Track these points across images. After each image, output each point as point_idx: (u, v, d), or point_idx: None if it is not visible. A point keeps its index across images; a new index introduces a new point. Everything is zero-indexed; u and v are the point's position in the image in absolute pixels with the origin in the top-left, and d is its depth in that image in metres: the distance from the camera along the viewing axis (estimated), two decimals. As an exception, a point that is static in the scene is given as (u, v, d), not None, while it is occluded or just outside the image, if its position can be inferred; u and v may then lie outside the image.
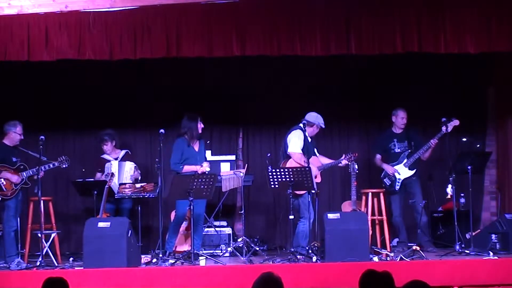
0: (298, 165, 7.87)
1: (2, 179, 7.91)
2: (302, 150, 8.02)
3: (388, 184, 8.51)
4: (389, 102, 9.32)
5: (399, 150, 8.55)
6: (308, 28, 7.98)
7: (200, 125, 8.14)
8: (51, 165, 8.01)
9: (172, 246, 8.12)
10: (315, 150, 8.42)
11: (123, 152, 9.00)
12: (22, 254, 8.19)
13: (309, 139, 8.19)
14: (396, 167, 8.49)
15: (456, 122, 8.20)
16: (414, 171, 8.49)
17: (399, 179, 8.47)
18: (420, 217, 8.42)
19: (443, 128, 8.14)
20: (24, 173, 7.98)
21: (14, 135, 8.09)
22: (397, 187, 8.48)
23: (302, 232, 7.95)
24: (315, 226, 8.09)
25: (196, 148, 8.17)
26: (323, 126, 8.30)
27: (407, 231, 8.65)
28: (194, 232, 7.57)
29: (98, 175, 8.81)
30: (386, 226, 8.38)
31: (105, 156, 8.93)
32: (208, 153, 9.22)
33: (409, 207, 8.60)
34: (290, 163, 8.06)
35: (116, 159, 8.87)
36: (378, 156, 8.69)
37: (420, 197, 8.50)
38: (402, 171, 8.47)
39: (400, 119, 8.57)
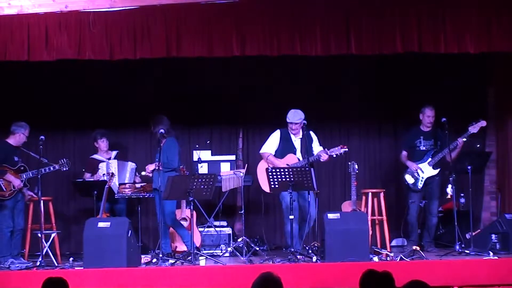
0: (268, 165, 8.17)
1: (3, 180, 7.90)
2: (279, 149, 8.24)
3: (411, 182, 8.45)
4: (389, 102, 9.33)
5: (424, 148, 8.50)
6: (308, 28, 7.98)
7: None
8: (51, 168, 8.00)
9: (168, 247, 8.11)
10: (315, 148, 8.28)
11: (115, 152, 9.01)
12: (22, 254, 8.18)
13: (295, 138, 8.21)
14: (420, 165, 8.43)
15: (483, 123, 8.18)
16: (437, 170, 8.43)
17: (422, 177, 8.42)
18: (430, 217, 8.43)
19: (470, 129, 8.14)
20: (24, 175, 7.95)
21: (22, 136, 8.07)
22: (420, 186, 8.42)
23: (286, 233, 8.08)
24: (315, 226, 8.10)
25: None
26: (289, 120, 8.14)
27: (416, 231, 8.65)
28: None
29: (87, 175, 8.79)
30: (386, 226, 8.37)
31: (97, 156, 8.92)
32: (208, 153, 9.24)
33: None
34: (261, 162, 8.36)
35: (109, 159, 8.86)
36: (404, 153, 8.62)
37: (436, 197, 8.49)
38: (426, 170, 8.42)
39: (426, 117, 8.52)
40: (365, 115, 9.84)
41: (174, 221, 8.07)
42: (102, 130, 9.03)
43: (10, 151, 8.05)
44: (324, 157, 8.09)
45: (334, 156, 8.13)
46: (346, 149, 8.06)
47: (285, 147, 8.30)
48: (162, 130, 7.90)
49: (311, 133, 8.37)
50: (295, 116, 8.18)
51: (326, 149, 8.15)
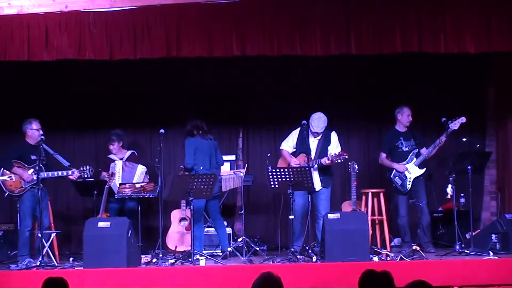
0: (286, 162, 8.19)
1: (9, 176, 7.88)
2: (296, 147, 8.21)
3: (399, 184, 8.40)
4: (389, 102, 9.32)
5: (407, 149, 8.46)
6: (308, 28, 7.98)
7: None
8: (69, 172, 7.93)
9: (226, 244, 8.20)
10: (331, 150, 8.16)
11: (129, 152, 9.00)
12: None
13: (313, 139, 8.16)
14: (406, 166, 8.41)
15: (463, 120, 8.14)
16: (423, 170, 8.40)
17: (410, 178, 8.37)
18: (423, 217, 8.40)
19: (451, 125, 8.10)
20: (35, 173, 7.82)
21: (32, 132, 8.04)
22: (408, 187, 8.37)
23: (294, 234, 7.99)
24: (314, 226, 8.11)
25: None
26: (310, 128, 8.13)
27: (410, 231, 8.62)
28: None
29: (104, 174, 8.76)
30: (386, 226, 8.37)
31: (111, 156, 8.95)
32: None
33: (411, 207, 8.56)
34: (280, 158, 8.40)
35: (121, 159, 8.87)
36: (384, 155, 8.58)
37: (424, 197, 8.43)
38: (413, 170, 8.38)
39: (406, 116, 8.49)
40: (365, 115, 9.84)
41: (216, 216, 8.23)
42: (114, 131, 8.95)
43: (27, 150, 7.99)
44: (324, 160, 8.04)
45: (335, 162, 8.02)
46: (346, 156, 7.97)
47: (301, 147, 8.22)
48: (161, 130, 7.89)
49: (332, 134, 8.28)
50: (319, 124, 8.11)
51: (329, 154, 8.07)
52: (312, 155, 8.13)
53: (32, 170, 7.84)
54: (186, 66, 9.30)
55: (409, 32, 7.96)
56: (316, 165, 8.04)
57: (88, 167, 7.98)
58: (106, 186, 8.10)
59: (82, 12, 7.62)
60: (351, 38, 7.96)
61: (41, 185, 7.69)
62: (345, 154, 7.98)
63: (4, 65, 8.23)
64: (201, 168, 7.96)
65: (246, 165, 8.89)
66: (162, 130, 7.88)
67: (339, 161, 7.98)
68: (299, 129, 8.27)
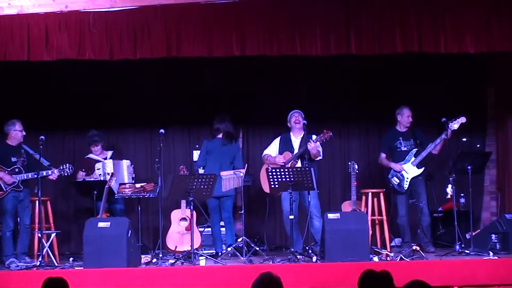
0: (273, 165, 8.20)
1: None
2: (279, 151, 8.33)
3: (396, 183, 8.40)
4: (389, 102, 9.33)
5: (405, 149, 8.45)
6: (308, 28, 7.98)
7: None
8: (49, 172, 7.93)
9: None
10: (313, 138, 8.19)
11: (110, 152, 8.99)
12: (25, 253, 8.16)
13: (295, 139, 8.26)
14: (404, 166, 8.38)
15: (463, 120, 8.12)
16: (422, 169, 8.38)
17: (407, 178, 8.35)
18: (423, 217, 8.40)
19: (450, 125, 8.08)
20: (18, 177, 7.86)
21: (15, 133, 8.04)
22: (405, 187, 8.36)
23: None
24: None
25: None
26: (290, 114, 8.36)
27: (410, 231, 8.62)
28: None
29: (81, 174, 8.74)
30: (386, 226, 8.36)
31: (92, 156, 8.88)
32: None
33: (411, 207, 8.55)
34: (264, 165, 8.45)
35: (105, 159, 8.85)
36: (383, 155, 8.58)
37: (424, 197, 8.42)
38: (410, 170, 8.36)
39: (406, 117, 8.48)
40: (365, 115, 9.84)
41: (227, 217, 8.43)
42: (93, 132, 8.94)
43: (8, 152, 8.00)
44: (311, 145, 7.95)
45: (322, 141, 8.05)
46: (330, 134, 7.98)
47: (284, 148, 8.33)
48: (162, 130, 7.89)
49: (313, 136, 8.34)
50: (298, 116, 8.29)
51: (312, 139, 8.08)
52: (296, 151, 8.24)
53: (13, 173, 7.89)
54: (186, 66, 9.29)
55: (409, 32, 7.97)
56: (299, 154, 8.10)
57: (68, 165, 8.03)
58: (106, 186, 8.09)
59: (82, 12, 7.62)
60: (351, 38, 7.96)
61: (22, 186, 7.88)
62: (329, 132, 7.98)
63: (4, 65, 8.23)
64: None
65: (246, 165, 8.88)
66: (162, 130, 7.89)
67: (324, 140, 8.00)
68: (279, 137, 8.43)
